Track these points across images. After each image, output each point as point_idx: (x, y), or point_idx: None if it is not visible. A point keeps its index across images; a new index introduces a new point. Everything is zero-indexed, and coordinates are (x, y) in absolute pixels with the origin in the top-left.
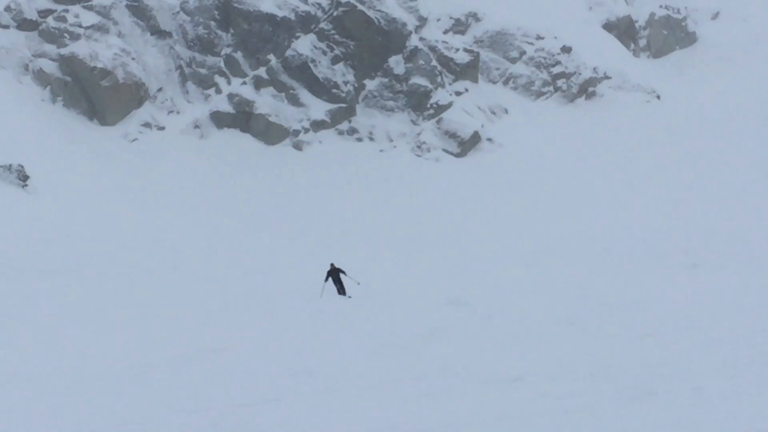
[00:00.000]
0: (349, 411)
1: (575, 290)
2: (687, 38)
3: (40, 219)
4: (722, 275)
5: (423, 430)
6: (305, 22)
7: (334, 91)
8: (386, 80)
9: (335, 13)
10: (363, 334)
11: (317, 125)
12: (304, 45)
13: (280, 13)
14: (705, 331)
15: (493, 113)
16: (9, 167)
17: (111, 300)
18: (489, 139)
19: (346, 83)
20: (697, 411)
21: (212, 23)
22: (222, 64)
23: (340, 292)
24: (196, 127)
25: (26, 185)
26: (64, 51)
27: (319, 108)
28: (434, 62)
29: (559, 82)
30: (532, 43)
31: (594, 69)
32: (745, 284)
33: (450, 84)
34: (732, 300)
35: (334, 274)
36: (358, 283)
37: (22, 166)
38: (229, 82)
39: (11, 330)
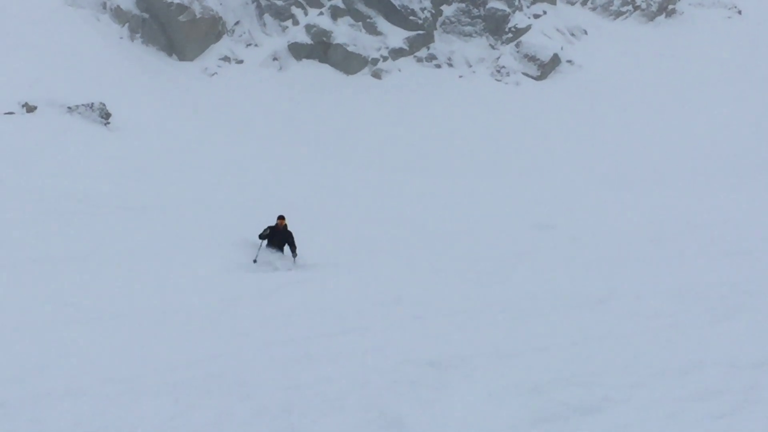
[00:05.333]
0: (439, 336)
1: (659, 210)
2: None
3: (124, 156)
4: None
5: (511, 353)
6: None
7: (411, 18)
8: (463, 5)
9: None
10: (447, 259)
11: (395, 53)
12: None
13: None
14: None
15: (572, 35)
16: (91, 106)
17: (195, 235)
18: (569, 61)
19: (423, 10)
20: None
21: None
22: None
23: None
24: (275, 59)
25: (108, 123)
26: None
27: (396, 36)
28: None
29: (638, 1)
30: None
31: None
32: None
33: (528, 7)
34: None
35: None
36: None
37: (104, 104)
38: (305, 13)
39: (98, 266)
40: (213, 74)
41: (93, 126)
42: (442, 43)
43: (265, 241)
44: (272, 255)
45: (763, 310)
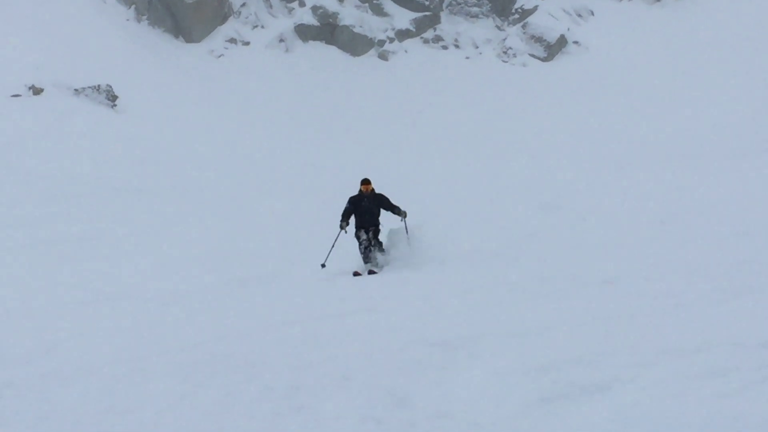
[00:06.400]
0: (446, 317)
1: (667, 190)
2: None
3: (131, 138)
4: None
5: (518, 333)
6: None
7: None
8: None
9: None
10: (455, 241)
11: (402, 34)
12: None
13: None
14: None
15: (579, 16)
16: (98, 88)
17: (203, 217)
18: (575, 42)
19: None
20: None
21: None
22: None
23: (366, 256)
24: (281, 40)
25: (115, 105)
26: None
27: (403, 17)
28: None
29: None
30: None
31: None
32: None
33: None
34: None
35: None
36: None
37: (111, 87)
38: None
39: (105, 248)
40: (219, 56)
41: (100, 108)
42: (449, 25)
43: (343, 232)
44: (365, 241)
45: None
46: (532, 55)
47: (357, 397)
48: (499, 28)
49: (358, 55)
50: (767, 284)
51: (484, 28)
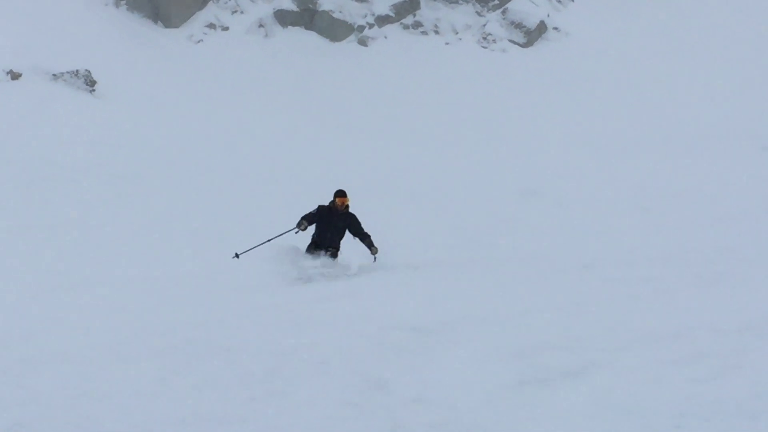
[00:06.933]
0: (423, 302)
1: (646, 177)
2: None
3: (110, 123)
4: None
5: (496, 318)
6: None
7: None
8: None
9: None
10: (433, 225)
11: (382, 20)
12: None
13: None
14: None
15: (559, 2)
16: (76, 73)
17: (180, 204)
18: (555, 29)
19: None
20: None
21: None
22: None
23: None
24: (261, 26)
25: (94, 90)
26: None
27: (382, 3)
28: None
29: None
30: None
31: None
32: None
33: None
34: None
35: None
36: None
37: (89, 72)
38: None
39: (82, 234)
40: (199, 41)
41: (78, 93)
42: (429, 10)
43: (293, 232)
44: (312, 258)
45: (749, 275)
46: (512, 41)
47: (334, 382)
48: (478, 14)
49: (338, 40)
50: (745, 271)
51: (463, 14)
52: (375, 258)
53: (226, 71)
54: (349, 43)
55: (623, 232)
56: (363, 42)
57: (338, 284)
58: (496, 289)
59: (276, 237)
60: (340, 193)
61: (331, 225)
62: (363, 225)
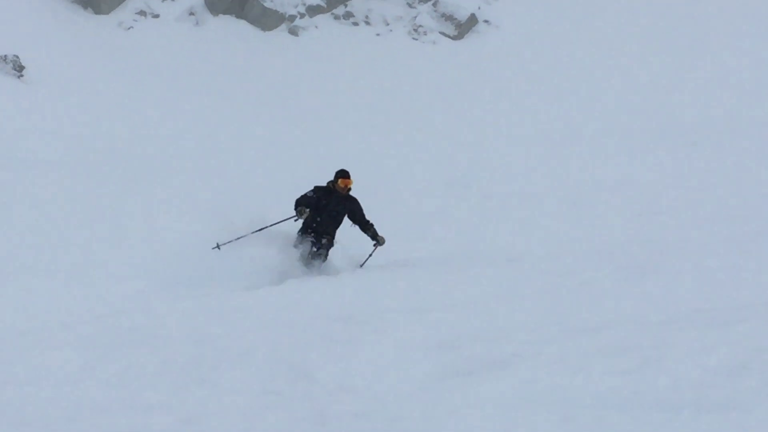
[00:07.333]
0: (350, 293)
1: (574, 171)
2: None
3: (38, 109)
4: (721, 153)
5: (422, 309)
6: None
7: None
8: None
9: None
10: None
11: (313, 10)
12: None
13: None
14: (703, 209)
15: None
16: (4, 58)
17: (110, 191)
18: (486, 21)
19: None
20: (700, 286)
21: None
22: None
23: (309, 262)
24: (191, 14)
25: (22, 75)
26: None
27: None
28: None
29: None
30: None
31: None
32: (743, 162)
33: None
34: (730, 178)
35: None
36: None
37: (17, 57)
38: None
39: (7, 221)
40: (129, 28)
41: (6, 78)
42: (360, 1)
43: (292, 220)
44: (301, 245)
45: (674, 269)
46: (443, 33)
47: (258, 370)
48: (410, 5)
49: (269, 29)
50: (669, 264)
51: (395, 5)
52: (376, 246)
53: (156, 59)
54: (280, 33)
55: (550, 225)
56: (294, 32)
57: (264, 276)
58: (423, 280)
59: (272, 224)
60: (343, 173)
61: (328, 208)
62: (366, 212)
